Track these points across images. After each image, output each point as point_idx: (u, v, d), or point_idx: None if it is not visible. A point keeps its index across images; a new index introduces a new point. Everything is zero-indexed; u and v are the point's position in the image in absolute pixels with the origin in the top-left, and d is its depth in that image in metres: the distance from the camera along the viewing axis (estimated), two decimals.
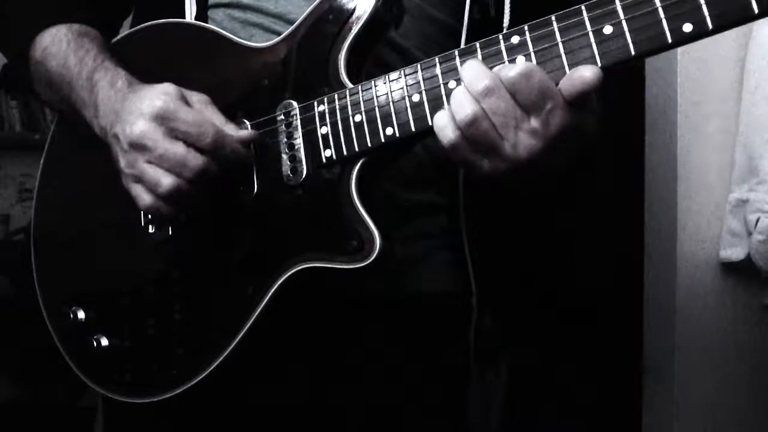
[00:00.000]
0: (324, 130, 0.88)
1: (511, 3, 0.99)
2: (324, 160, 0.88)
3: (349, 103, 0.87)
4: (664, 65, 1.87)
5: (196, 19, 1.03)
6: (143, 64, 1.01)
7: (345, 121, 0.87)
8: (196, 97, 0.91)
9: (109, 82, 0.96)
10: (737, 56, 1.82)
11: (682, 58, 1.82)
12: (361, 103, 0.86)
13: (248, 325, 0.90)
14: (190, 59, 1.01)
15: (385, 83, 0.84)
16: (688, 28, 0.69)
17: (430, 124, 0.81)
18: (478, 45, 0.80)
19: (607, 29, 0.73)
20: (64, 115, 1.10)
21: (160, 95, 0.89)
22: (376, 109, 0.85)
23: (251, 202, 0.93)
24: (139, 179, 0.89)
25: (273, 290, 0.89)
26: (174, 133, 0.87)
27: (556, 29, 0.75)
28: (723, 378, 1.81)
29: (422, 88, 0.82)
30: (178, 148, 0.87)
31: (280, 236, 0.91)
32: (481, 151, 0.78)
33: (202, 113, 0.89)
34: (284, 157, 0.91)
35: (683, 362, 1.82)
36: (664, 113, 1.89)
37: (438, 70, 0.81)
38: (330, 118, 0.88)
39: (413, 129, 0.82)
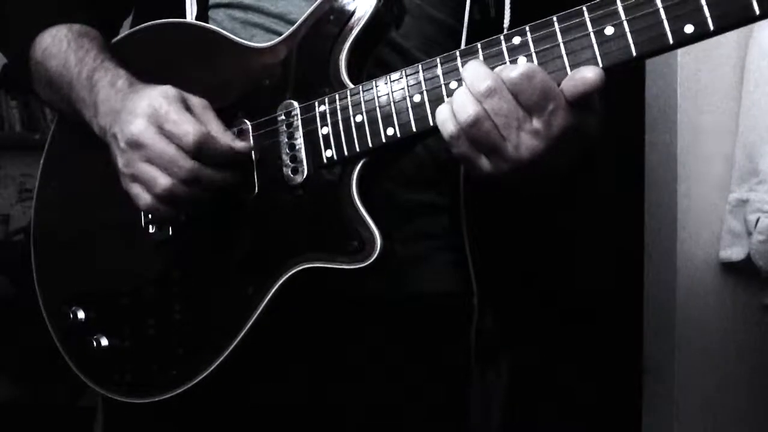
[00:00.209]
0: (325, 130, 0.88)
1: (511, 3, 0.99)
2: (325, 160, 0.88)
3: (350, 103, 0.86)
4: (664, 65, 1.87)
5: (196, 19, 1.03)
6: (143, 64, 1.01)
7: (346, 121, 0.86)
8: (197, 101, 0.91)
9: (110, 82, 0.96)
10: (737, 56, 1.82)
11: (682, 58, 1.83)
12: (362, 103, 0.86)
13: (248, 326, 0.90)
14: (190, 59, 1.01)
15: (386, 83, 0.84)
16: (689, 29, 0.69)
17: (431, 124, 0.81)
18: (479, 45, 0.80)
19: (609, 30, 0.73)
20: (64, 115, 1.10)
21: (158, 96, 0.89)
22: (377, 109, 0.84)
23: (252, 202, 0.93)
24: (136, 179, 0.89)
25: (273, 290, 0.89)
26: (164, 133, 0.87)
27: (557, 30, 0.75)
28: (723, 378, 1.82)
29: (423, 88, 0.82)
30: (170, 149, 0.87)
31: (281, 236, 0.91)
32: (482, 150, 0.78)
33: (202, 118, 0.90)
34: (285, 157, 0.91)
35: (683, 362, 1.82)
36: (664, 113, 1.89)
37: (439, 71, 0.81)
38: (331, 118, 0.88)
39: (414, 129, 0.82)
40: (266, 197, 0.92)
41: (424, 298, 1.05)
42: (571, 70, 0.74)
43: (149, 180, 0.88)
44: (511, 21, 0.98)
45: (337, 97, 0.87)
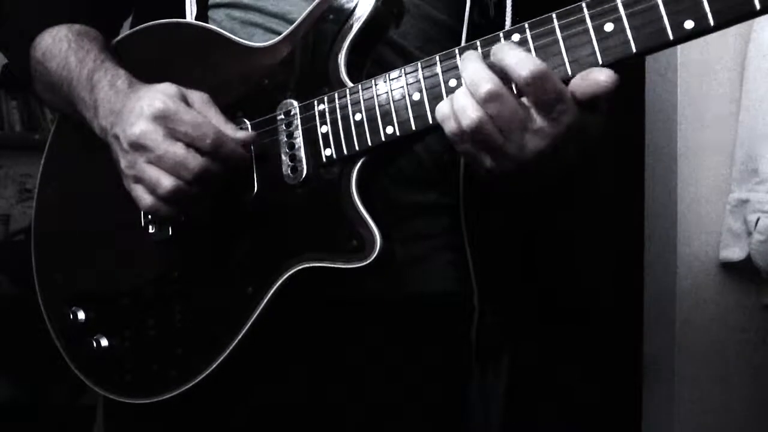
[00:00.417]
0: (324, 129, 0.88)
1: (513, 4, 0.99)
2: (324, 159, 0.88)
3: (349, 102, 0.86)
4: (665, 65, 1.87)
5: (196, 19, 1.02)
6: (144, 64, 1.01)
7: (345, 119, 0.86)
8: (197, 96, 0.91)
9: (110, 82, 0.96)
10: (737, 57, 1.83)
11: (682, 58, 1.83)
12: (362, 101, 0.85)
13: (248, 326, 0.90)
14: (190, 59, 1.01)
15: (385, 82, 0.84)
16: (689, 24, 0.69)
17: (430, 122, 0.81)
18: (479, 43, 0.79)
19: (608, 26, 0.72)
20: (64, 115, 1.10)
21: (160, 95, 0.88)
22: (377, 107, 0.84)
23: (251, 201, 0.92)
24: (139, 180, 0.89)
25: (273, 290, 0.89)
26: (174, 134, 0.86)
27: (556, 27, 0.75)
28: (723, 378, 1.82)
29: (423, 86, 0.81)
30: (178, 149, 0.86)
31: (280, 236, 0.91)
32: (485, 149, 0.78)
33: (203, 113, 0.89)
34: (284, 156, 0.91)
35: (683, 362, 1.82)
36: (664, 113, 1.89)
37: (438, 69, 0.81)
38: (330, 117, 0.88)
39: (414, 127, 0.82)
40: (265, 197, 0.92)
41: (423, 298, 1.04)
42: (570, 66, 0.74)
43: (153, 181, 0.87)
44: (512, 22, 0.98)
45: (336, 96, 0.87)
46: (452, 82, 0.80)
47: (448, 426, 1.09)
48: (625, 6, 0.71)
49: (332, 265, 0.86)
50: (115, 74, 0.97)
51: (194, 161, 0.86)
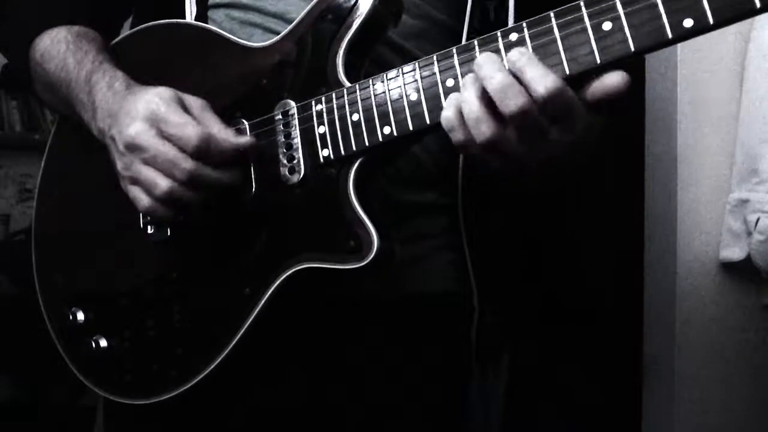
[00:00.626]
0: (322, 129, 0.88)
1: (515, 5, 0.99)
2: (322, 159, 0.88)
3: (346, 102, 0.86)
4: (664, 65, 1.87)
5: (196, 19, 1.03)
6: (143, 65, 1.01)
7: (343, 120, 0.86)
8: (195, 102, 0.91)
9: (107, 84, 0.96)
10: (737, 56, 1.82)
11: (682, 58, 1.82)
12: (359, 102, 0.85)
13: (247, 326, 0.90)
14: (188, 59, 1.01)
15: (382, 82, 0.84)
16: (688, 23, 0.69)
17: (428, 122, 0.80)
18: (476, 42, 0.79)
19: (606, 25, 0.72)
20: (64, 116, 1.10)
21: (155, 98, 0.89)
22: (374, 107, 0.84)
23: (249, 202, 0.92)
24: (136, 181, 0.89)
25: (271, 291, 0.89)
26: (163, 135, 0.87)
27: (554, 26, 0.74)
28: (723, 378, 1.81)
29: (420, 86, 0.81)
30: (169, 150, 0.86)
31: (278, 236, 0.91)
32: (494, 154, 0.77)
33: (200, 118, 0.89)
34: (282, 157, 0.90)
35: (683, 362, 1.82)
36: (664, 113, 1.89)
37: (436, 68, 0.81)
38: (328, 117, 0.87)
39: (411, 127, 0.82)
40: (263, 197, 0.92)
41: (423, 298, 1.04)
42: (568, 65, 0.74)
43: (149, 182, 0.88)
44: (515, 22, 0.98)
45: (333, 96, 0.87)
46: (449, 82, 0.79)
47: (448, 426, 1.09)
48: (624, 4, 0.71)
49: (330, 266, 0.85)
50: (113, 76, 0.97)
51: (184, 162, 0.86)
